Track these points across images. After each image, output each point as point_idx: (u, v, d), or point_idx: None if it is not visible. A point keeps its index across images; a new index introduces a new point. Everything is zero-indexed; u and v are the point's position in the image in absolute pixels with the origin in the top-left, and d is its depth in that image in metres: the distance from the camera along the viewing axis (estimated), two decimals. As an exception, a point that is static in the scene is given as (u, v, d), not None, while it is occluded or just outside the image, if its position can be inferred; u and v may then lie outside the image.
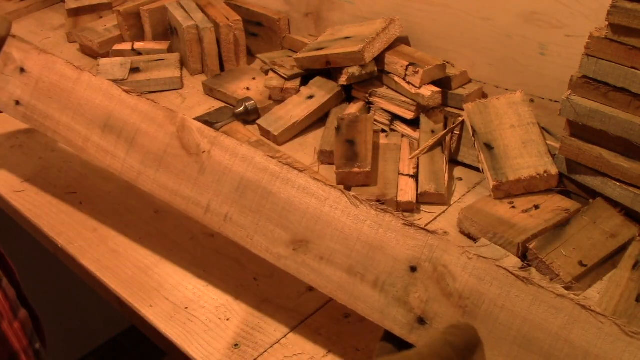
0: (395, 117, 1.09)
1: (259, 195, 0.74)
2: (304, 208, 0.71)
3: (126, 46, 1.37)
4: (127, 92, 0.87)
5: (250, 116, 1.15)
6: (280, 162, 0.73)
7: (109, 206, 0.98)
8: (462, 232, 0.90)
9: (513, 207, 0.89)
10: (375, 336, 0.74)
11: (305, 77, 1.19)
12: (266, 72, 1.25)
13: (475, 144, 0.96)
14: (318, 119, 1.14)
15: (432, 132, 1.03)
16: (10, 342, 0.53)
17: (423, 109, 1.06)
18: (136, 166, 0.85)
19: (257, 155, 0.74)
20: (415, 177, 0.96)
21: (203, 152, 0.79)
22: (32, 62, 0.96)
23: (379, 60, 1.11)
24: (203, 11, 1.33)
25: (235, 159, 0.76)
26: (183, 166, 0.81)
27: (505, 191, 0.91)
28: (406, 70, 1.06)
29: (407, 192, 0.94)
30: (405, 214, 0.65)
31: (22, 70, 0.97)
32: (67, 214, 0.97)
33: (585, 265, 0.80)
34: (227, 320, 0.78)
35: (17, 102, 1.00)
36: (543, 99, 1.02)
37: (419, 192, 0.94)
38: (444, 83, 1.07)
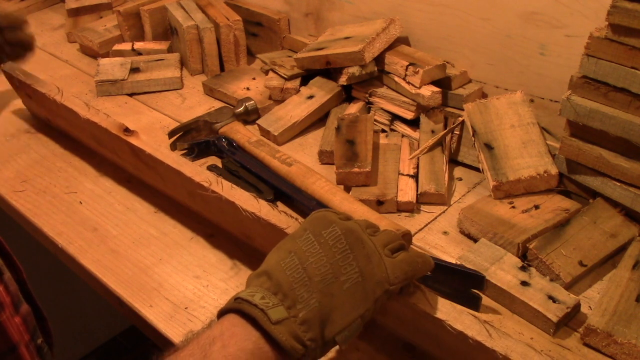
0: (395, 117, 1.09)
1: (251, 234, 0.79)
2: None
3: (126, 46, 1.37)
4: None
5: (250, 116, 1.15)
6: (249, 212, 0.76)
7: (109, 206, 0.98)
8: (462, 232, 0.90)
9: (513, 207, 0.89)
10: (375, 337, 0.74)
11: (305, 77, 1.19)
12: (266, 72, 1.25)
13: (475, 144, 0.96)
14: (318, 119, 1.14)
15: (432, 132, 1.03)
16: (10, 334, 0.53)
17: (423, 109, 1.06)
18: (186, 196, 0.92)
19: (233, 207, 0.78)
20: (415, 177, 0.96)
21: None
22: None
23: (379, 60, 1.11)
24: (203, 11, 1.33)
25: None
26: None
27: (505, 191, 0.91)
28: (406, 70, 1.06)
29: (407, 192, 0.94)
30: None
31: None
32: (67, 214, 0.97)
33: (585, 265, 0.80)
34: (227, 320, 0.78)
35: None
36: (543, 99, 1.02)
37: (419, 192, 0.94)
38: (444, 83, 1.07)
